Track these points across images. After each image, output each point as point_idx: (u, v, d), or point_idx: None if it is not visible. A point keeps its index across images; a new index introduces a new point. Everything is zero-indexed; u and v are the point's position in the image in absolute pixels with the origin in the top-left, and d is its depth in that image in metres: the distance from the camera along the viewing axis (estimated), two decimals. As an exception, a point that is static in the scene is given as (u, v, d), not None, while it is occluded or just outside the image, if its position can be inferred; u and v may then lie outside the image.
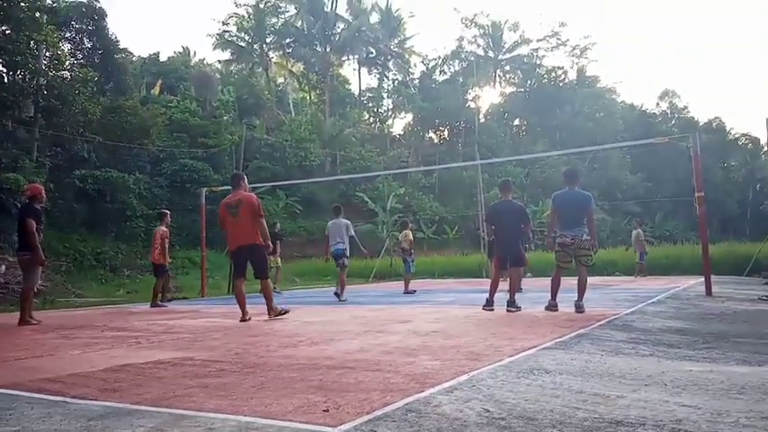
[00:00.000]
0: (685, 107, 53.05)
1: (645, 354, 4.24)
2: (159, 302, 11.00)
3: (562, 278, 7.51)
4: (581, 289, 7.30)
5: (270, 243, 7.75)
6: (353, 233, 11.38)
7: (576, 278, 7.37)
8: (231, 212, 7.47)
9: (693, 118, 50.33)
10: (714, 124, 49.78)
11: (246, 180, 8.03)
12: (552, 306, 7.34)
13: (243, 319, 7.31)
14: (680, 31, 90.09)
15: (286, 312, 7.63)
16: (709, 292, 10.15)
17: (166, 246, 11.08)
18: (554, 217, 7.67)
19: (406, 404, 2.77)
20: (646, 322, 6.21)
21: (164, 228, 11.14)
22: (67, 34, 27.04)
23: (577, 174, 8.05)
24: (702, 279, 10.80)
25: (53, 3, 24.96)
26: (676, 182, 38.05)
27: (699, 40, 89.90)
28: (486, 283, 9.87)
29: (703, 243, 11.04)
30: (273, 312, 7.52)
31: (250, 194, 7.71)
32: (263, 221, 7.56)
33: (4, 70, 21.58)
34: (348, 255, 11.36)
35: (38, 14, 20.83)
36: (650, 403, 2.76)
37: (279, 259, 14.59)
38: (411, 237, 13.15)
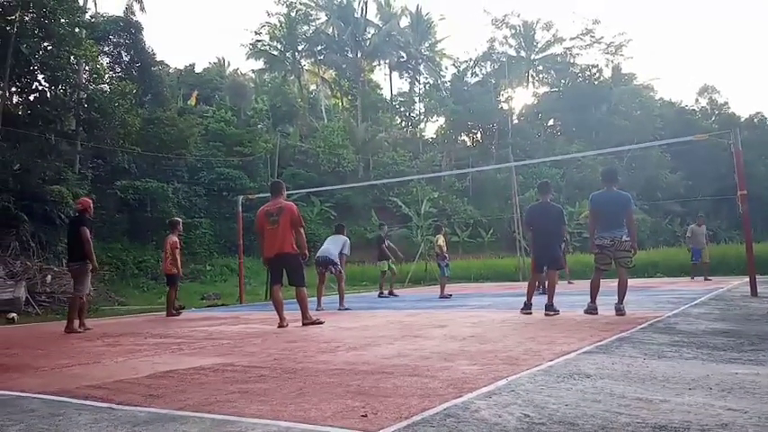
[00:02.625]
0: (725, 103, 51.66)
1: (688, 357, 4.15)
2: (174, 311, 10.89)
3: (602, 280, 7.40)
4: (621, 291, 7.18)
5: (306, 252, 7.83)
6: (347, 252, 10.97)
7: (616, 280, 7.25)
8: (270, 220, 7.52)
9: (734, 114, 48.93)
10: (756, 119, 48.25)
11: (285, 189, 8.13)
12: (592, 309, 7.24)
13: (281, 325, 7.38)
14: (718, 24, 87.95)
15: (321, 323, 7.62)
16: (754, 292, 9.87)
17: (177, 256, 10.96)
18: (591, 220, 7.53)
19: (445, 409, 2.77)
20: (689, 324, 6.07)
21: (174, 237, 11.00)
22: (106, 48, 27.79)
23: (615, 173, 7.90)
24: (747, 279, 10.52)
25: (92, 18, 25.67)
26: (718, 180, 37.03)
27: (738, 33, 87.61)
28: (522, 287, 9.80)
29: (747, 242, 10.75)
30: (308, 320, 7.57)
31: (291, 204, 7.77)
32: (302, 231, 7.67)
33: (47, 85, 22.27)
34: (336, 263, 10.71)
35: (77, 30, 21.45)
36: (695, 407, 2.70)
37: (389, 263, 14.45)
38: (441, 241, 13.03)
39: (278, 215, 7.48)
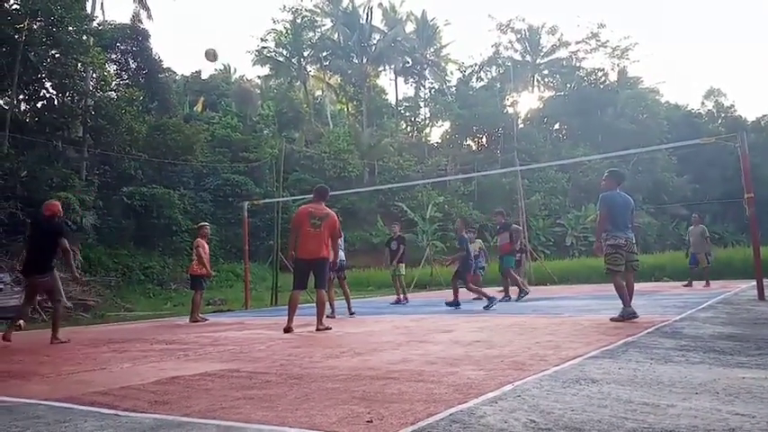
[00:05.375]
0: (732, 105, 51.59)
1: (695, 361, 4.12)
2: (200, 317, 10.63)
3: (611, 283, 7.18)
4: (629, 294, 7.08)
5: (337, 262, 7.98)
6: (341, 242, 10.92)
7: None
8: (313, 223, 7.61)
9: (741, 116, 48.83)
10: (763, 122, 48.08)
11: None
12: (631, 314, 6.87)
13: (287, 329, 7.36)
14: (724, 27, 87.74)
15: (329, 329, 7.62)
16: (761, 296, 9.81)
17: (202, 255, 10.61)
18: (604, 219, 7.28)
19: (451, 415, 2.76)
20: (696, 329, 6.03)
21: (199, 239, 10.86)
22: (113, 56, 27.98)
23: (624, 176, 7.90)
24: (754, 283, 10.45)
25: (99, 26, 25.86)
26: (725, 182, 36.94)
27: (743, 35, 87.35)
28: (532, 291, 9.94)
29: (755, 245, 10.69)
30: (322, 326, 7.57)
31: (334, 214, 7.94)
32: (337, 243, 8.08)
33: (54, 93, 22.45)
34: (344, 267, 10.83)
35: (85, 38, 21.60)
36: (701, 412, 2.68)
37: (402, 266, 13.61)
38: (480, 245, 14.43)
39: (321, 220, 7.63)
